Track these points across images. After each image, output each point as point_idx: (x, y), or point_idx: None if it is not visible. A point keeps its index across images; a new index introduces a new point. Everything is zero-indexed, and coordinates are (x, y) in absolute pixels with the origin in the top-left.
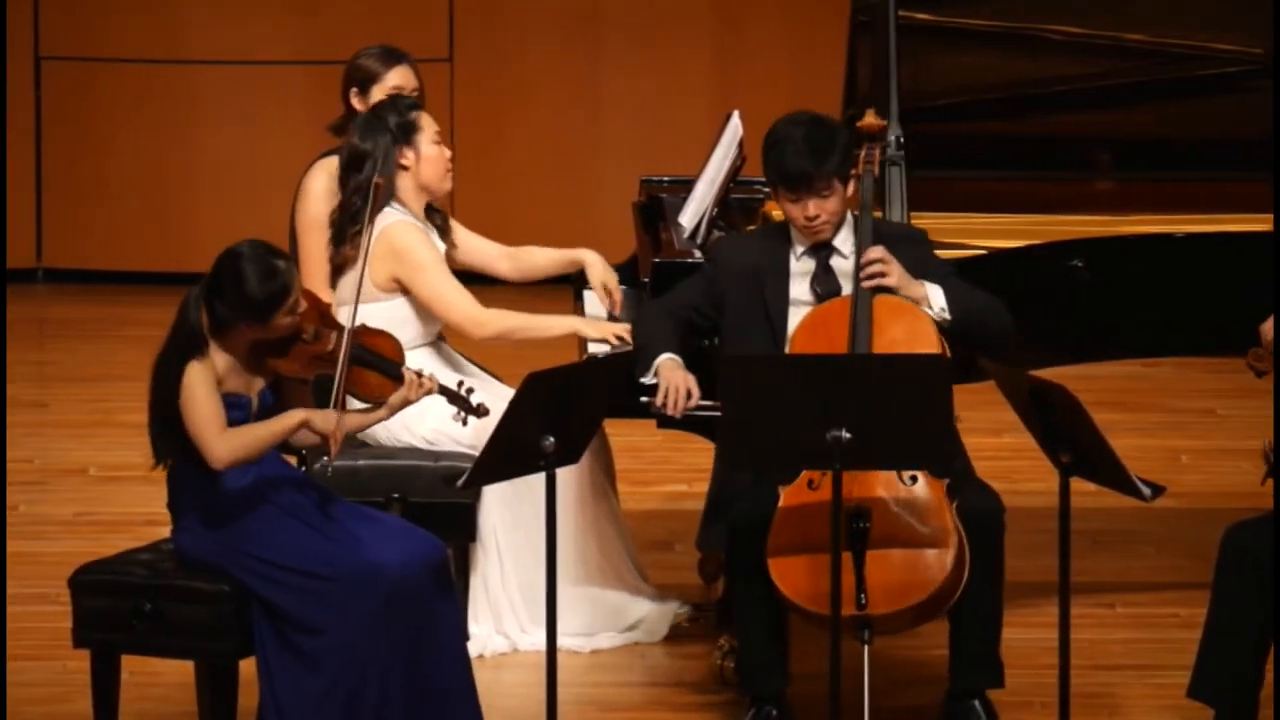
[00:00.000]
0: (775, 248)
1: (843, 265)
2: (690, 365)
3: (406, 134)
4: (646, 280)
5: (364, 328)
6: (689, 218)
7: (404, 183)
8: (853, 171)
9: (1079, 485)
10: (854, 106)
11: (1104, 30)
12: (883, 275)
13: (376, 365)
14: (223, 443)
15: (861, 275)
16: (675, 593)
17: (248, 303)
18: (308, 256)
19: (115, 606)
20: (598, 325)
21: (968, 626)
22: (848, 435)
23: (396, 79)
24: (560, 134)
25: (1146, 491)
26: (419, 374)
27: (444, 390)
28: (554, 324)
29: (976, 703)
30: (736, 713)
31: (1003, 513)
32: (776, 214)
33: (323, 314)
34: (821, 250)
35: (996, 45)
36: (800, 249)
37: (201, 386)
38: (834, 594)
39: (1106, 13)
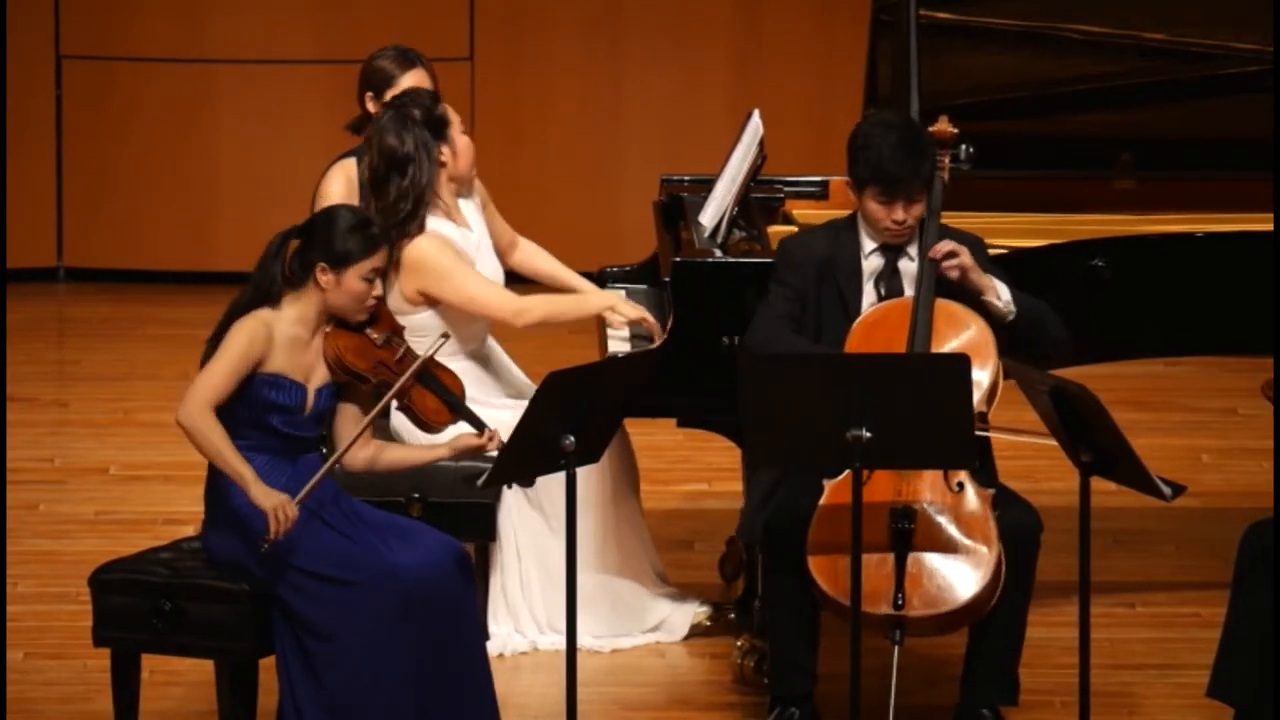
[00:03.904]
0: (846, 243)
1: (909, 268)
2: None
3: (440, 130)
4: (667, 279)
5: (433, 359)
6: (709, 217)
7: (440, 178)
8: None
9: (1099, 484)
10: (874, 106)
11: (1125, 29)
12: (957, 255)
13: (439, 392)
14: (198, 409)
15: (939, 261)
16: (695, 592)
17: (332, 242)
18: None
19: (135, 605)
20: (634, 305)
21: (990, 641)
22: (868, 434)
23: (411, 82)
24: (581, 133)
25: (1167, 491)
26: (492, 433)
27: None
28: (590, 302)
29: (987, 711)
30: (758, 713)
31: (1040, 530)
32: (797, 213)
33: (397, 330)
34: (890, 250)
35: (1017, 44)
36: (869, 246)
37: (240, 343)
38: (854, 592)
39: (1128, 12)
